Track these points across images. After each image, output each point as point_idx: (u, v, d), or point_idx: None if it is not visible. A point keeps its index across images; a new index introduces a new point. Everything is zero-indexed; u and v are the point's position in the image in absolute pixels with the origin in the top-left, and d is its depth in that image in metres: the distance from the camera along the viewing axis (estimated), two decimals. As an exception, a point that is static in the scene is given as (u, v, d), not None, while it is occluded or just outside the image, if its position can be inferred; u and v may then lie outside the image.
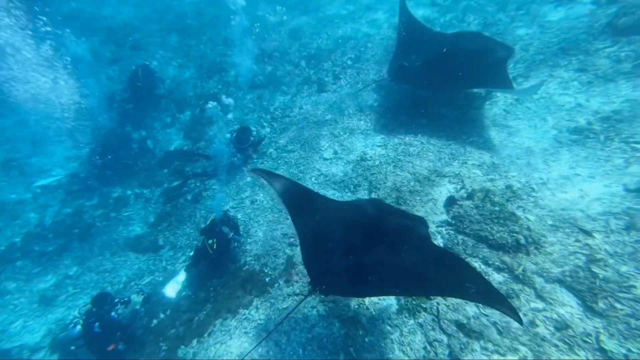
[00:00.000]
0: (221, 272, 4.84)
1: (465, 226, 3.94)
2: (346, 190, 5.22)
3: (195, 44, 9.97)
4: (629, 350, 2.90)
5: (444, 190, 4.53)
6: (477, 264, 3.68)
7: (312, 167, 5.90)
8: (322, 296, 3.61)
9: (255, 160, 6.71)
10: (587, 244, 3.54)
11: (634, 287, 3.14)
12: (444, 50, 5.16)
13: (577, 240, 3.60)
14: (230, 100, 8.14)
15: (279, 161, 6.42)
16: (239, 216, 5.41)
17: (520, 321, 2.25)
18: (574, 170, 4.25)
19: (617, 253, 3.41)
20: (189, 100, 8.56)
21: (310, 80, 7.90)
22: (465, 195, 4.27)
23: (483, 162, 4.72)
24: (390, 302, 3.74)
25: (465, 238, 3.91)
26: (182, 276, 4.93)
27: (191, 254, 5.07)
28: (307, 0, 10.77)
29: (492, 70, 4.84)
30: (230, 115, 7.93)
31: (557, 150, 4.59)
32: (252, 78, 8.58)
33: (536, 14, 6.81)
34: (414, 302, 3.59)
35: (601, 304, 3.13)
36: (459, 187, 4.46)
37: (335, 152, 5.92)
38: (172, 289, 4.84)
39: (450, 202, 4.28)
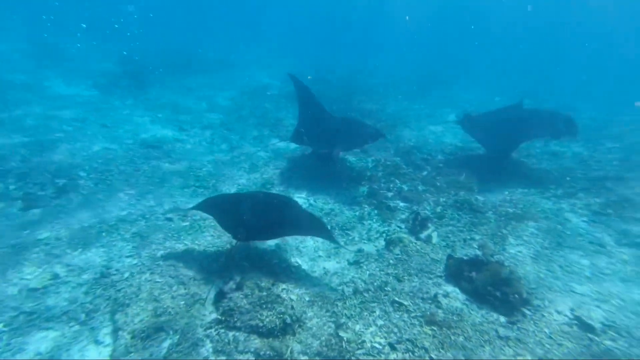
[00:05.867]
0: None
1: (236, 319, 3.77)
2: (72, 323, 3.79)
3: None
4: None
5: (213, 287, 4.27)
6: None
7: (3, 306, 3.95)
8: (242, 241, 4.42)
9: None
10: (334, 312, 4.10)
11: (365, 341, 3.73)
12: (330, 124, 7.36)
13: (327, 311, 4.12)
14: None
15: None
16: None
17: (335, 242, 4.72)
18: (317, 254, 5.19)
19: (352, 315, 4.10)
20: None
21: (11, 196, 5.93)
22: (234, 286, 4.20)
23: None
24: None
25: (237, 333, 3.69)
26: None
27: None
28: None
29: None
30: None
31: (304, 238, 5.49)
32: None
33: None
34: None
35: (349, 367, 3.45)
36: (227, 279, 4.32)
37: (56, 276, 4.46)
38: None
39: (220, 297, 4.09)
